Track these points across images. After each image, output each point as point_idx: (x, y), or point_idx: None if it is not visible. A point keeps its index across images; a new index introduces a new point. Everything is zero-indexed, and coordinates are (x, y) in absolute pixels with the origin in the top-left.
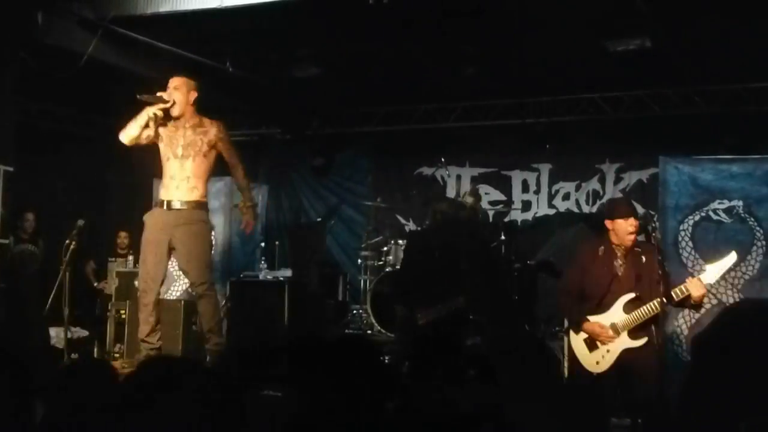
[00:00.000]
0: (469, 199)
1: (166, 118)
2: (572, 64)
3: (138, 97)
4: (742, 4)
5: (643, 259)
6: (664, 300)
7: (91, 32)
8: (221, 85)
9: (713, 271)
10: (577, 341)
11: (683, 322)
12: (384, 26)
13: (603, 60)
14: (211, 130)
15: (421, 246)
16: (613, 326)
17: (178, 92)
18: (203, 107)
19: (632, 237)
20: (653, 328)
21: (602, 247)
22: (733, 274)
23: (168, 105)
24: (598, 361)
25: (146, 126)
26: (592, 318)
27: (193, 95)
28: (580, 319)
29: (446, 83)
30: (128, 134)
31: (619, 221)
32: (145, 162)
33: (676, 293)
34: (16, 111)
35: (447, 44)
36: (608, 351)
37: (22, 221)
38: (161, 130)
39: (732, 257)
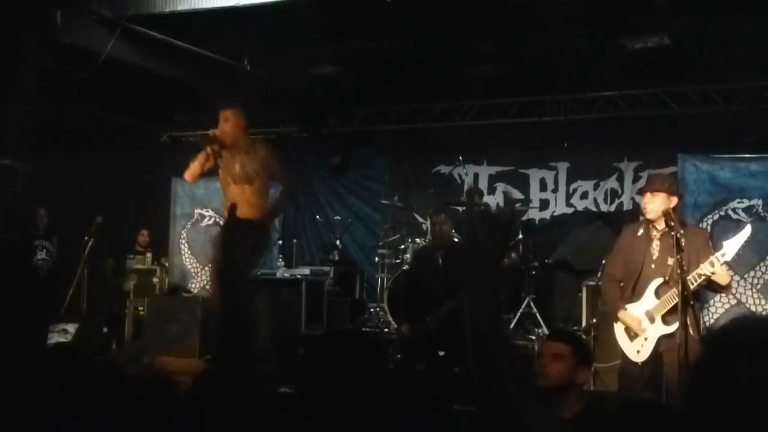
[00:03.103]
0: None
1: (221, 147)
2: (590, 61)
3: (205, 147)
4: (760, 2)
5: (682, 242)
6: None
7: (109, 31)
8: (239, 83)
9: (730, 246)
10: (619, 331)
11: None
12: (401, 24)
13: (621, 57)
14: (261, 152)
15: (424, 262)
16: (648, 313)
17: (229, 124)
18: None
19: (648, 211)
20: (689, 313)
21: (641, 230)
22: (752, 273)
23: (224, 141)
24: (639, 350)
25: (206, 161)
26: (628, 306)
27: (242, 123)
28: (617, 307)
29: (464, 81)
30: (193, 174)
31: (642, 196)
32: (165, 160)
33: (691, 281)
34: (35, 110)
35: (464, 42)
36: (646, 339)
37: (34, 217)
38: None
39: (747, 230)
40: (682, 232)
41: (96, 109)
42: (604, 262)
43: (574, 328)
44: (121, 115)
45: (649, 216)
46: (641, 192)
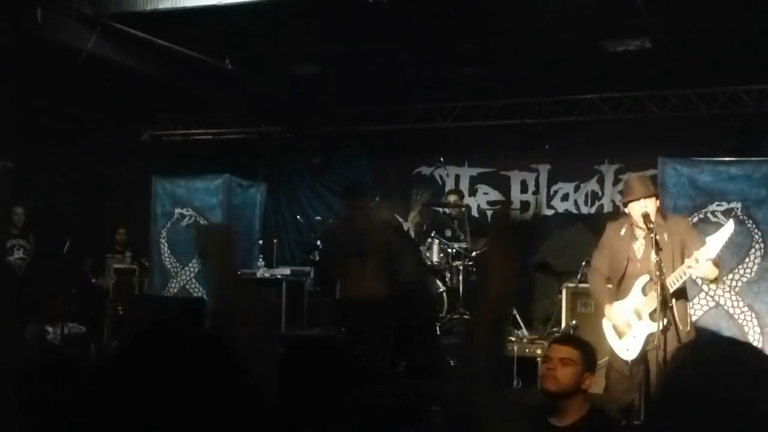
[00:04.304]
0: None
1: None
2: (572, 64)
3: None
4: (741, 6)
5: (665, 236)
6: (661, 287)
7: (90, 28)
8: (220, 82)
9: (714, 243)
10: (608, 328)
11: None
12: (383, 25)
13: (603, 61)
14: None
15: (333, 241)
16: (636, 310)
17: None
18: (203, 104)
19: (647, 215)
20: (676, 310)
21: (624, 228)
22: (731, 276)
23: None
24: (628, 347)
25: None
26: (615, 303)
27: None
28: (603, 303)
29: (445, 83)
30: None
31: (631, 204)
32: (146, 159)
33: (679, 276)
34: (15, 107)
35: (446, 43)
36: (634, 337)
37: (11, 215)
38: None
39: (730, 226)
40: (664, 224)
41: (77, 107)
42: (586, 260)
43: (554, 329)
44: (101, 113)
45: (647, 219)
46: (631, 199)
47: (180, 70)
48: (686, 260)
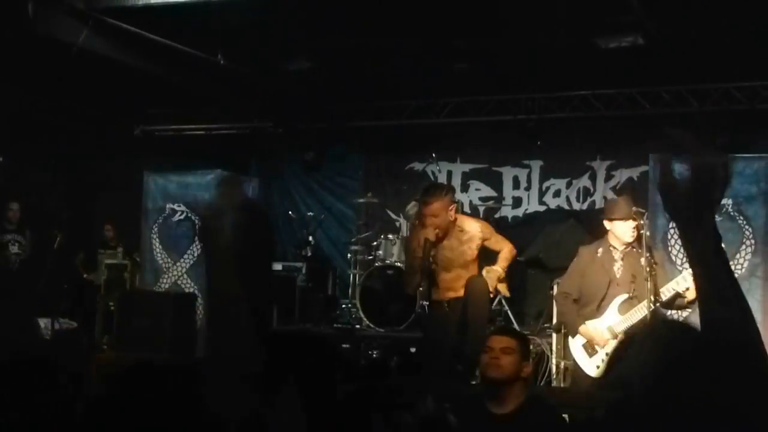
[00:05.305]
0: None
1: (438, 242)
2: (564, 60)
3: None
4: (734, 3)
5: (642, 260)
6: (652, 299)
7: (82, 23)
8: (213, 77)
9: None
10: (576, 347)
11: None
12: (377, 20)
13: (595, 57)
14: (476, 235)
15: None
16: (610, 329)
17: (438, 218)
18: (195, 99)
19: (631, 237)
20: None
21: (600, 250)
22: None
23: (436, 237)
24: (598, 365)
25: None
26: (588, 322)
27: (452, 209)
28: (575, 323)
29: (438, 79)
30: (413, 286)
31: (617, 222)
32: (138, 154)
33: (664, 292)
34: (5, 101)
35: (439, 39)
36: (607, 354)
37: (6, 211)
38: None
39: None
40: (636, 249)
41: (68, 102)
42: (557, 281)
43: (546, 325)
44: (93, 108)
45: (628, 240)
46: (615, 218)
47: (172, 65)
48: (683, 273)
